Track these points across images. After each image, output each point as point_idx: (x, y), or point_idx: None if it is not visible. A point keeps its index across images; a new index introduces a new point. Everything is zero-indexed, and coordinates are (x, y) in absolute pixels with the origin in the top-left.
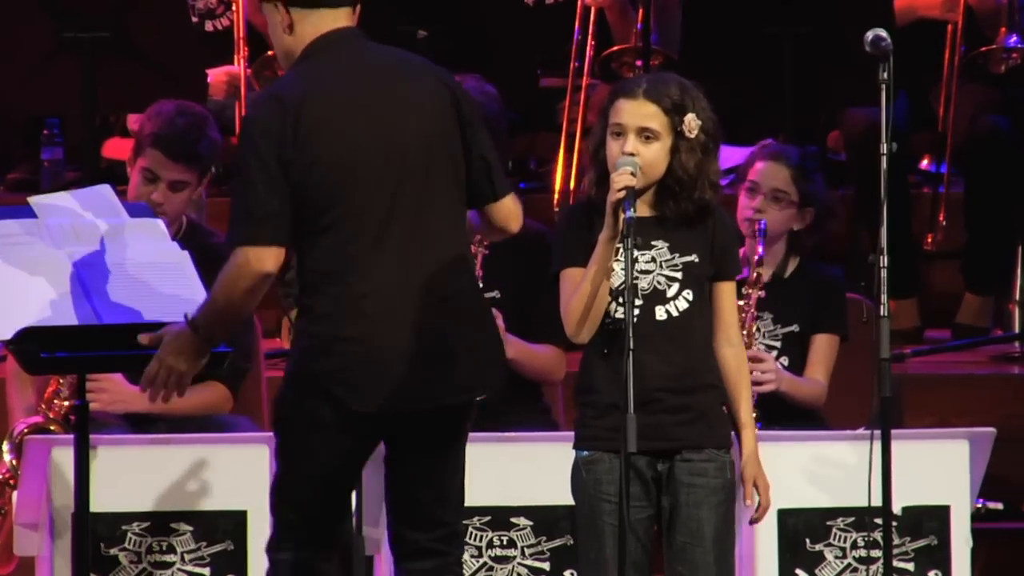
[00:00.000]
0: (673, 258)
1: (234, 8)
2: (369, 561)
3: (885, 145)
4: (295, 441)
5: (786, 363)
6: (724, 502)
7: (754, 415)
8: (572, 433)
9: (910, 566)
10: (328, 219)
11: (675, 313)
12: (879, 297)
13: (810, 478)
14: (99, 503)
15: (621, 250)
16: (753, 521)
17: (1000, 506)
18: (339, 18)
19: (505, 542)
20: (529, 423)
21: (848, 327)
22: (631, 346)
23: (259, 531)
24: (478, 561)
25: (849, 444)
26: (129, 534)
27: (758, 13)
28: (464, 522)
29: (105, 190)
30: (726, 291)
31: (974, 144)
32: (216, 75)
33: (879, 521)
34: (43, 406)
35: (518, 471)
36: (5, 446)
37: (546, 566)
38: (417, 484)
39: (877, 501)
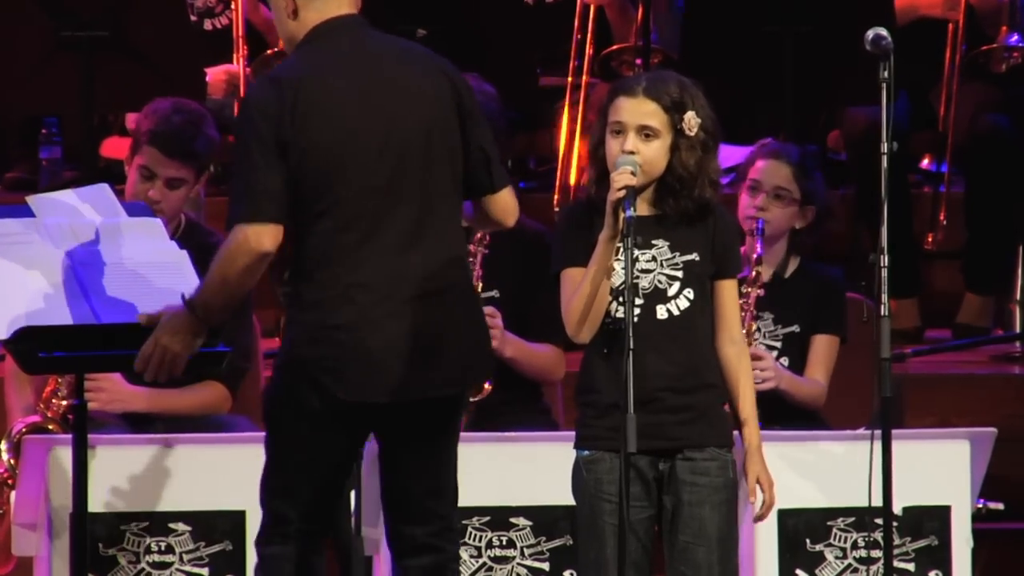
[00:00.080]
0: (674, 257)
1: (233, 7)
2: (368, 561)
3: (885, 144)
4: (284, 430)
5: (786, 363)
6: (727, 501)
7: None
8: (572, 433)
9: (911, 566)
10: (321, 206)
11: (676, 312)
12: (879, 297)
13: (810, 478)
14: (97, 503)
15: (621, 249)
16: (757, 519)
17: (1001, 506)
18: (343, 5)
19: (504, 542)
20: (529, 423)
21: (847, 328)
22: (631, 346)
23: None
24: (477, 561)
25: (849, 444)
26: (127, 534)
27: (758, 12)
28: (463, 522)
29: (103, 189)
30: (727, 289)
31: (975, 143)
32: (215, 74)
33: (879, 521)
34: (41, 406)
35: (517, 471)
36: (3, 445)
37: (545, 566)
38: (410, 477)
39: (878, 501)
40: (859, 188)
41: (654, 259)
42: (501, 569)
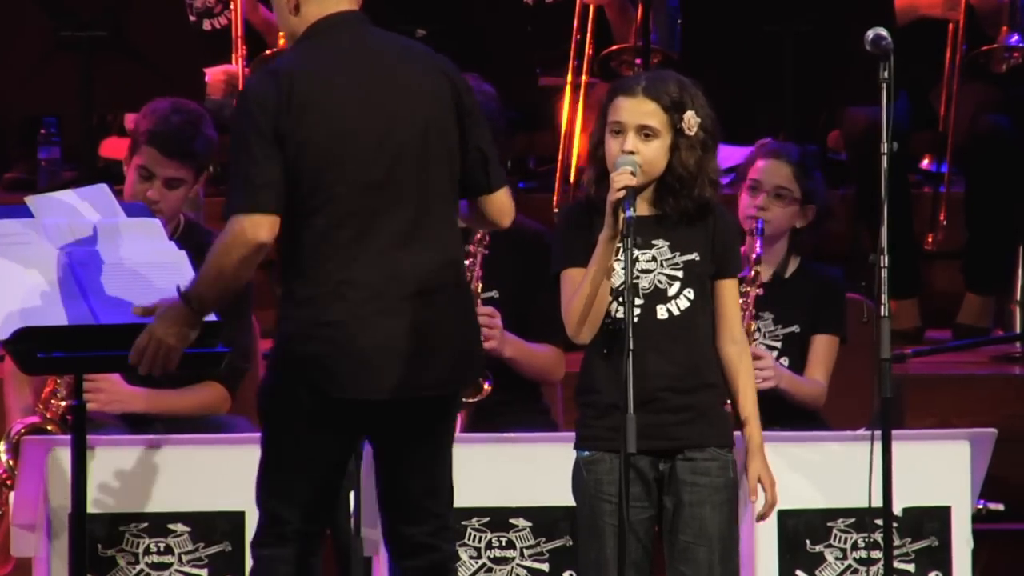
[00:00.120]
0: (674, 257)
1: (232, 7)
2: (368, 562)
3: (886, 144)
4: (277, 428)
5: (786, 363)
6: (728, 501)
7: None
8: (571, 434)
9: (911, 567)
10: (316, 202)
11: (676, 312)
12: (880, 297)
13: (810, 479)
14: (96, 504)
15: (621, 250)
16: (759, 518)
17: (1001, 507)
18: (343, 1)
19: (504, 543)
20: (528, 423)
21: (847, 329)
22: (631, 346)
23: None
24: (477, 562)
25: (850, 445)
26: (126, 535)
27: (758, 11)
28: (463, 523)
29: (102, 189)
30: (728, 289)
31: (975, 143)
32: (214, 74)
33: (880, 522)
34: (40, 406)
35: (517, 472)
36: (2, 446)
37: (545, 567)
38: (405, 477)
39: (878, 502)
40: (859, 188)
41: (654, 259)
42: (501, 570)
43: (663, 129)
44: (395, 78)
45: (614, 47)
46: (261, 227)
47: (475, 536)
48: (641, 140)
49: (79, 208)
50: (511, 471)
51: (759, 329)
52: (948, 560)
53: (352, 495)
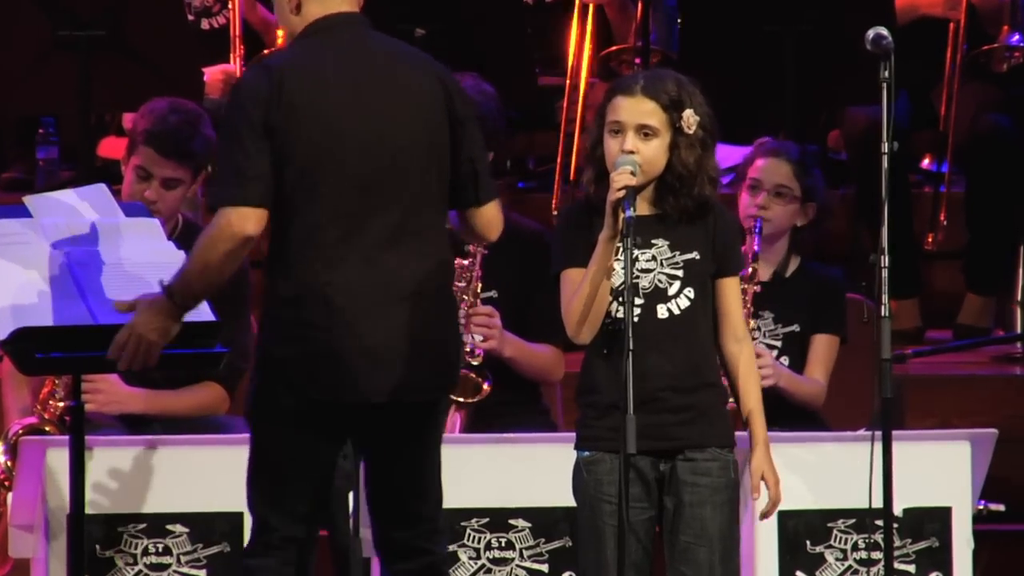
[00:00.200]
0: (674, 256)
1: (230, 6)
2: (366, 563)
3: (886, 144)
4: (261, 431)
5: (786, 363)
6: (728, 501)
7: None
8: (571, 434)
9: (911, 568)
10: (303, 199)
11: (677, 311)
12: (880, 297)
13: (811, 479)
14: (94, 505)
15: (621, 249)
16: (762, 516)
17: (1002, 508)
18: (344, 2)
19: (503, 544)
20: (528, 424)
21: (847, 329)
22: (630, 346)
23: None
24: (476, 563)
25: (850, 445)
26: (125, 536)
27: (758, 11)
28: (462, 523)
29: (101, 189)
30: (730, 287)
31: (976, 143)
32: (212, 74)
33: (880, 523)
34: (38, 407)
35: (516, 472)
36: (0, 447)
37: (544, 568)
38: (391, 481)
39: (878, 503)
40: (859, 188)
41: (654, 259)
42: (500, 571)
43: (662, 128)
44: (389, 80)
45: (614, 47)
46: (248, 220)
47: (474, 537)
48: (641, 139)
49: (77, 208)
50: (510, 472)
51: (759, 328)
52: (949, 561)
53: (351, 496)
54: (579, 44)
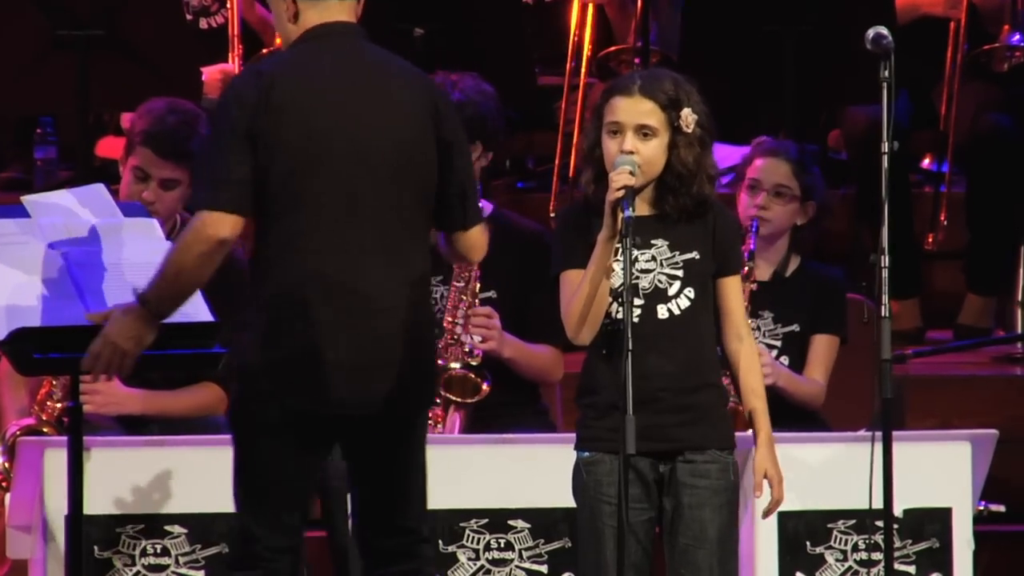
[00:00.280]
0: (673, 256)
1: (228, 6)
2: None
3: (886, 144)
4: (240, 438)
5: (786, 362)
6: (727, 503)
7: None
8: (570, 435)
9: (911, 569)
10: (285, 206)
11: (677, 312)
12: (880, 297)
13: (811, 480)
14: (93, 505)
15: (620, 250)
16: (765, 514)
17: (1002, 508)
18: (342, 11)
19: (503, 545)
20: (527, 425)
21: (848, 329)
22: (629, 347)
23: None
24: (475, 564)
25: (850, 446)
26: (123, 537)
27: (759, 11)
28: (461, 524)
29: (99, 189)
30: (731, 286)
31: (976, 143)
32: (211, 73)
33: (880, 523)
34: (36, 408)
35: (516, 473)
36: None
37: (544, 569)
38: (373, 491)
39: (878, 503)
40: (860, 188)
41: (653, 259)
42: (499, 572)
43: (661, 128)
44: (378, 92)
45: (613, 48)
46: (223, 224)
47: (473, 538)
48: (640, 139)
49: (76, 208)
50: (510, 472)
51: (759, 328)
52: (949, 562)
53: (350, 496)
54: (578, 44)
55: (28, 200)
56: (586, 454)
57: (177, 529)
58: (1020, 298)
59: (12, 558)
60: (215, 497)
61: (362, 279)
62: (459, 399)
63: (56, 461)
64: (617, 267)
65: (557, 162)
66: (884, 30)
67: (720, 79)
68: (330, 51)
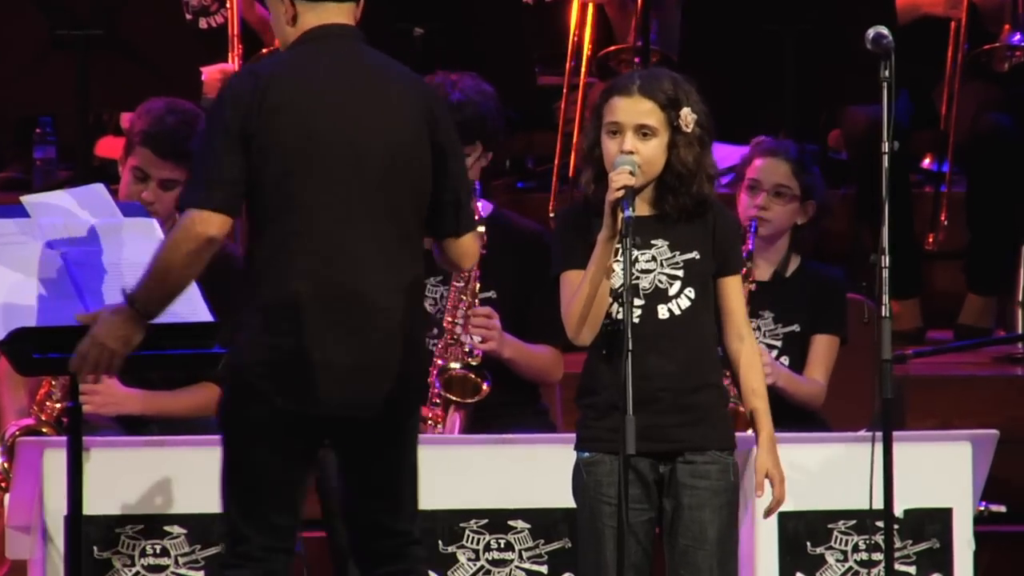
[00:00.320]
0: (673, 256)
1: (228, 5)
2: None
3: (887, 144)
4: (229, 439)
5: (786, 363)
6: (727, 504)
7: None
8: (570, 435)
9: (912, 569)
10: (278, 207)
11: (677, 312)
12: (880, 298)
13: (811, 480)
14: (92, 506)
15: (620, 250)
16: (766, 514)
17: (1003, 509)
18: (341, 14)
19: (503, 545)
20: (527, 425)
21: (848, 329)
22: (629, 347)
23: None
24: (475, 564)
25: (850, 446)
26: (122, 537)
27: (759, 10)
28: (461, 524)
29: (99, 189)
30: (732, 285)
31: (977, 143)
32: (210, 73)
33: (881, 524)
34: (35, 408)
35: (516, 473)
36: None
37: (544, 569)
38: (363, 494)
39: (879, 504)
40: (860, 188)
41: (654, 259)
42: (499, 572)
43: (661, 127)
44: (375, 95)
45: (612, 48)
46: (211, 223)
47: (473, 538)
48: (640, 139)
49: (75, 208)
50: (510, 472)
51: (759, 328)
52: (949, 562)
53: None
54: (578, 43)
55: (27, 200)
56: (586, 454)
57: (176, 529)
58: (1020, 298)
59: (11, 558)
60: (215, 497)
61: (355, 281)
62: (459, 399)
63: (55, 461)
64: (617, 267)
65: (557, 162)
66: (884, 30)
67: (720, 79)
68: (327, 53)
